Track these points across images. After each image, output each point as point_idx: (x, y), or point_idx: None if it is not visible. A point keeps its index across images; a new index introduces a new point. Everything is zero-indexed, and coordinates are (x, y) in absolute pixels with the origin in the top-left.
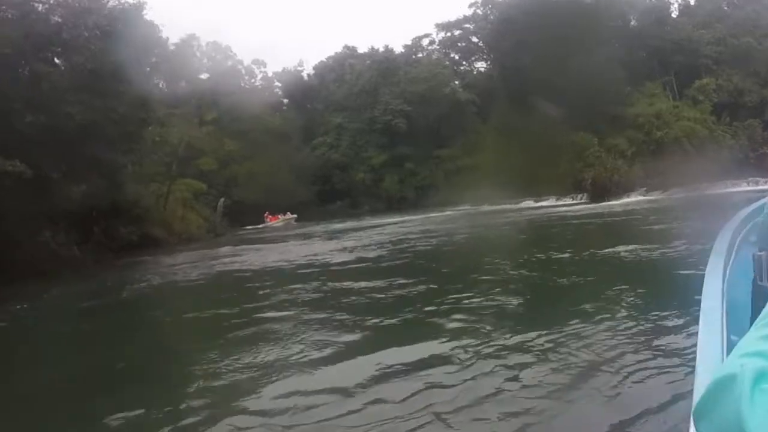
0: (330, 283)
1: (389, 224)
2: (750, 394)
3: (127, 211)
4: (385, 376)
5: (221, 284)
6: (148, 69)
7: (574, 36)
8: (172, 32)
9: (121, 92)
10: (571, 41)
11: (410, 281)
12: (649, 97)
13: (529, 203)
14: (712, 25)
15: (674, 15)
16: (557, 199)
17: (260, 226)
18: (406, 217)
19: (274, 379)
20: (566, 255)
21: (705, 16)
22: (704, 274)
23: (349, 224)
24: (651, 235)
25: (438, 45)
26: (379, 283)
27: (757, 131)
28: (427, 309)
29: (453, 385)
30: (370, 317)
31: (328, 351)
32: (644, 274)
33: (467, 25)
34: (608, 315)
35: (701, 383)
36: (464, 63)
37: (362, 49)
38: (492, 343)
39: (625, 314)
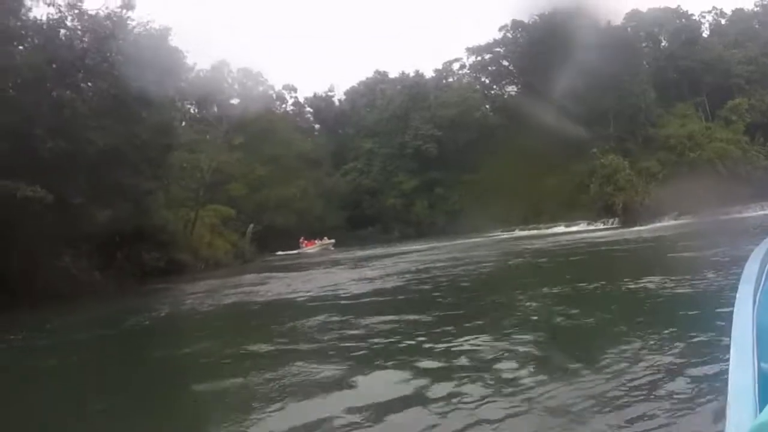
0: (335, 318)
1: (416, 251)
2: None
3: (153, 236)
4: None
5: (227, 316)
6: (173, 94)
7: (604, 58)
8: (203, 58)
9: (144, 118)
10: (601, 63)
11: (420, 318)
12: (681, 118)
13: (561, 228)
14: (744, 45)
15: (705, 35)
16: (588, 224)
17: (294, 251)
18: (435, 244)
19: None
20: (591, 287)
21: (736, 35)
22: (734, 301)
23: (378, 251)
24: (681, 264)
25: (468, 69)
26: (386, 318)
27: None
28: (429, 351)
29: None
30: (362, 359)
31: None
32: (673, 309)
33: (497, 49)
34: (632, 364)
35: (734, 412)
36: (495, 87)
37: (393, 73)
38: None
39: (648, 362)
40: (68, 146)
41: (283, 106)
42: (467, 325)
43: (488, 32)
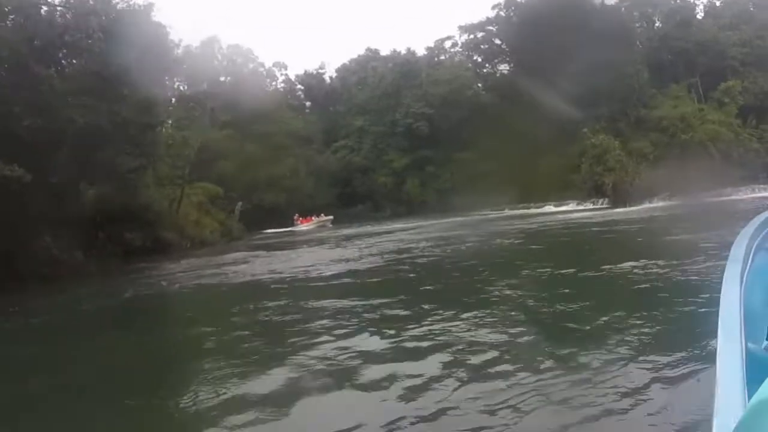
0: (299, 301)
1: (404, 230)
2: None
3: (138, 215)
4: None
5: (193, 299)
6: (156, 71)
7: (597, 37)
8: (192, 35)
9: (125, 95)
10: (594, 42)
11: (387, 301)
12: (674, 100)
13: (550, 208)
14: (738, 27)
15: (699, 16)
16: (578, 204)
17: (288, 229)
18: (423, 222)
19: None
20: (572, 270)
21: (731, 17)
22: (721, 282)
23: (366, 229)
24: (670, 247)
25: (461, 47)
26: (349, 303)
27: None
28: (393, 339)
29: None
30: (306, 344)
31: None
32: (655, 294)
33: (490, 27)
34: (614, 351)
35: (723, 392)
36: (487, 65)
37: (385, 51)
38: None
39: (630, 347)
40: (47, 124)
41: (274, 83)
42: (435, 310)
43: (481, 10)
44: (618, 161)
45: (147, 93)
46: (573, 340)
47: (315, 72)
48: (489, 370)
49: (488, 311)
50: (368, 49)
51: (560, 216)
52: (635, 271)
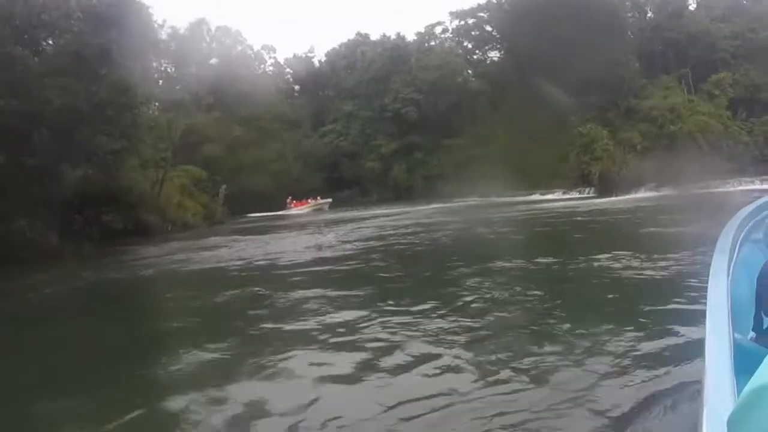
0: (259, 290)
1: (388, 215)
2: None
3: (120, 198)
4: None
5: (153, 286)
6: (137, 52)
7: (589, 26)
8: (182, 16)
9: (103, 76)
10: (585, 31)
11: (348, 293)
12: (664, 91)
13: (537, 196)
14: (731, 19)
15: (692, 8)
16: (564, 193)
17: (278, 213)
18: (408, 208)
19: None
20: (551, 262)
21: (723, 9)
22: (709, 273)
23: (351, 214)
24: (652, 239)
25: (451, 33)
26: (303, 294)
27: None
28: (335, 334)
29: None
30: (252, 339)
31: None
32: (642, 291)
33: (481, 14)
34: (586, 363)
35: (711, 382)
36: (477, 52)
37: (375, 36)
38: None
39: (609, 342)
40: (22, 105)
41: (262, 66)
42: (390, 306)
43: None
44: (605, 150)
45: (126, 74)
46: (539, 343)
47: (304, 56)
48: (431, 384)
49: (450, 309)
50: (358, 34)
51: (546, 204)
52: (614, 265)
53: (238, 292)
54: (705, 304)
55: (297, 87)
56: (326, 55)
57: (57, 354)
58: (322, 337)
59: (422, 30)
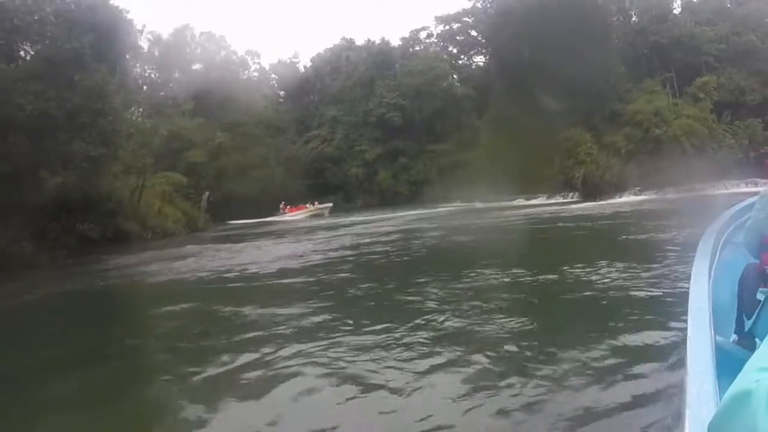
0: (215, 306)
1: (369, 222)
2: (766, 409)
3: (98, 205)
4: None
5: (117, 297)
6: (113, 56)
7: (574, 30)
8: (166, 22)
9: (76, 81)
10: (570, 35)
11: (303, 311)
12: (649, 94)
13: (521, 201)
14: (715, 23)
15: (676, 11)
16: (548, 198)
17: (272, 219)
18: (392, 214)
19: None
20: (526, 273)
21: (707, 13)
22: (690, 275)
23: (334, 221)
24: (635, 246)
25: (436, 38)
26: (258, 310)
27: (758, 131)
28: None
29: None
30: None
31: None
32: (616, 307)
33: (466, 19)
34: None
35: (693, 385)
36: (462, 57)
37: (360, 41)
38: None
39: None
40: None
41: (246, 72)
42: (347, 324)
43: (457, 1)
44: (588, 155)
45: (101, 79)
46: (502, 366)
47: (288, 61)
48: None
49: (409, 329)
50: (343, 39)
51: (528, 210)
52: (590, 277)
53: (187, 308)
54: (685, 314)
55: (282, 93)
56: (311, 61)
57: None
58: (258, 366)
59: (407, 35)
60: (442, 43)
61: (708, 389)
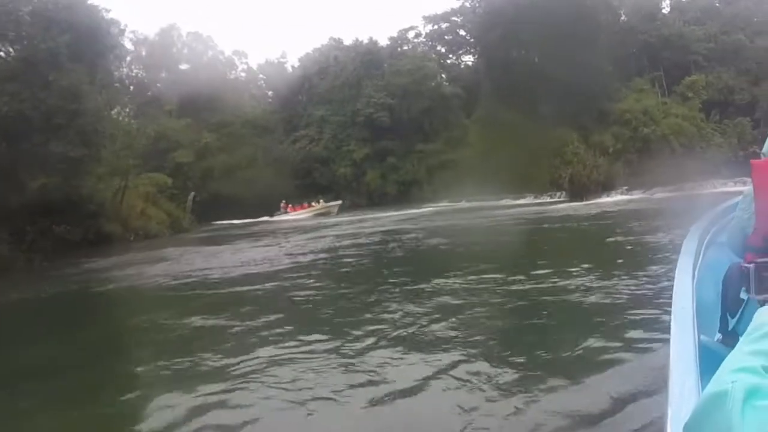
0: (164, 317)
1: (354, 222)
2: (741, 410)
3: (80, 207)
4: None
5: (78, 304)
6: (91, 56)
7: (562, 29)
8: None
9: (51, 82)
10: (558, 34)
11: (254, 325)
12: (637, 93)
13: (508, 201)
14: (704, 22)
15: (665, 11)
16: (535, 197)
17: (272, 218)
18: (379, 214)
19: None
20: (501, 278)
21: (696, 12)
22: (674, 274)
23: (318, 221)
24: (617, 247)
25: (424, 38)
26: (209, 321)
27: (746, 130)
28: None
29: None
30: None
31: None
32: (592, 317)
33: (455, 18)
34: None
35: (676, 385)
36: (451, 56)
37: (348, 41)
38: None
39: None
40: None
41: (233, 72)
42: (301, 338)
43: (446, 0)
44: (575, 154)
45: (77, 79)
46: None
47: (276, 61)
48: None
49: (370, 345)
50: (331, 39)
51: (514, 210)
52: (567, 283)
53: (152, 315)
54: (668, 314)
55: (270, 93)
56: (299, 61)
57: None
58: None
59: (395, 35)
60: (430, 43)
61: (690, 387)
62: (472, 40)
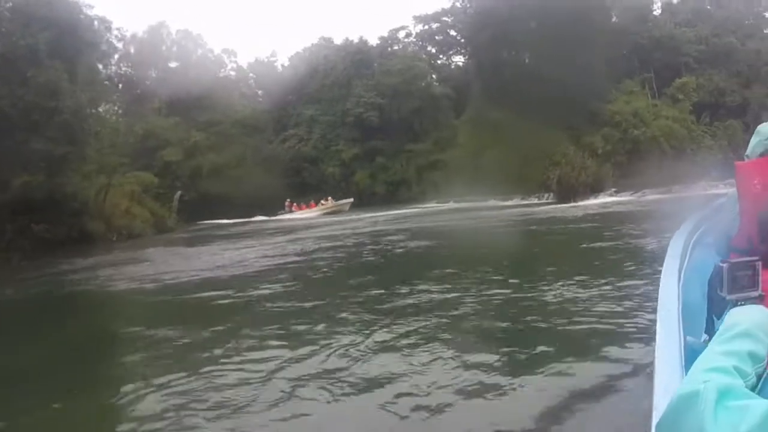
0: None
1: (337, 223)
2: (713, 411)
3: (62, 205)
4: None
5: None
6: (72, 53)
7: (554, 30)
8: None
9: (29, 78)
10: (550, 35)
11: (188, 341)
12: (628, 95)
13: (495, 202)
14: (694, 24)
15: (656, 13)
16: (522, 199)
17: (275, 218)
18: (364, 215)
19: None
20: (474, 288)
21: (687, 14)
22: (660, 276)
23: (306, 222)
24: (601, 255)
25: (415, 38)
26: (146, 331)
27: (737, 132)
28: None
29: None
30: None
31: None
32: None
33: (445, 18)
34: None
35: (661, 385)
36: (441, 57)
37: (339, 40)
38: None
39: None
40: None
41: (223, 70)
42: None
43: (437, 0)
44: (564, 155)
45: (55, 76)
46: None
47: (266, 60)
48: None
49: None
50: (322, 38)
51: (500, 212)
52: (542, 296)
53: (118, 320)
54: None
55: (260, 92)
56: (290, 60)
57: None
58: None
59: (386, 34)
60: (420, 43)
61: (675, 387)
62: (462, 40)
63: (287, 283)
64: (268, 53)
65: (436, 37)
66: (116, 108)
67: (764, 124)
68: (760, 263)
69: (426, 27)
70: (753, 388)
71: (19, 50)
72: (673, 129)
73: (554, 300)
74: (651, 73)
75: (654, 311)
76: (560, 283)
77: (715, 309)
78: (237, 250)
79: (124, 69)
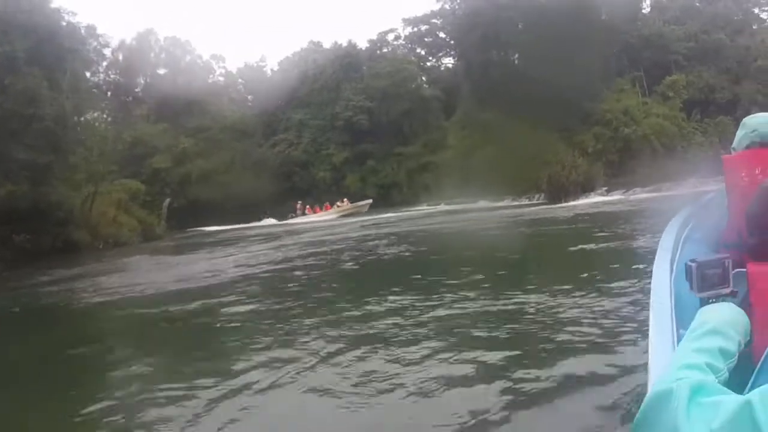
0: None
1: (326, 227)
2: (687, 408)
3: (46, 215)
4: None
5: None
6: (52, 60)
7: (543, 30)
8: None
9: (6, 86)
10: (539, 35)
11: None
12: (618, 93)
13: (485, 204)
14: (684, 22)
15: (645, 11)
16: (513, 200)
17: (286, 222)
18: (353, 219)
19: None
20: (439, 294)
21: (676, 12)
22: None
23: (294, 227)
24: (590, 256)
25: (404, 40)
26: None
27: (728, 128)
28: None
29: None
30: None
31: None
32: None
33: (434, 20)
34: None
35: (655, 376)
36: (430, 59)
37: (328, 44)
38: None
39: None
40: None
41: (212, 76)
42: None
43: (426, 3)
44: (554, 155)
45: (33, 83)
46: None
47: (255, 65)
48: None
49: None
50: (311, 42)
51: (490, 213)
52: (522, 307)
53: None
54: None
55: (250, 97)
56: (279, 64)
57: None
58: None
59: (374, 37)
60: (409, 45)
61: None
62: (451, 42)
63: (265, 292)
64: (257, 58)
65: (425, 39)
66: (105, 116)
67: (750, 116)
68: (730, 261)
69: (415, 29)
70: (726, 384)
71: None
72: (663, 127)
73: (543, 301)
74: (641, 72)
75: (646, 307)
76: (549, 285)
77: (707, 303)
78: (216, 258)
79: (112, 76)
